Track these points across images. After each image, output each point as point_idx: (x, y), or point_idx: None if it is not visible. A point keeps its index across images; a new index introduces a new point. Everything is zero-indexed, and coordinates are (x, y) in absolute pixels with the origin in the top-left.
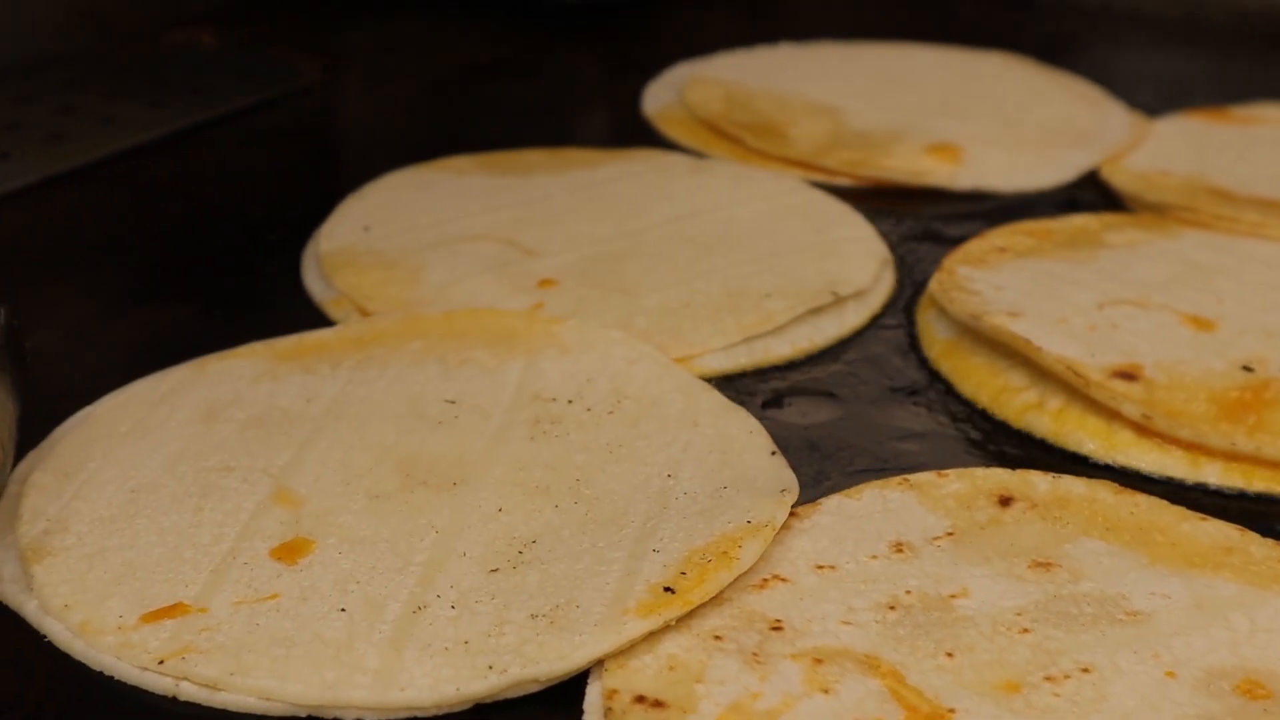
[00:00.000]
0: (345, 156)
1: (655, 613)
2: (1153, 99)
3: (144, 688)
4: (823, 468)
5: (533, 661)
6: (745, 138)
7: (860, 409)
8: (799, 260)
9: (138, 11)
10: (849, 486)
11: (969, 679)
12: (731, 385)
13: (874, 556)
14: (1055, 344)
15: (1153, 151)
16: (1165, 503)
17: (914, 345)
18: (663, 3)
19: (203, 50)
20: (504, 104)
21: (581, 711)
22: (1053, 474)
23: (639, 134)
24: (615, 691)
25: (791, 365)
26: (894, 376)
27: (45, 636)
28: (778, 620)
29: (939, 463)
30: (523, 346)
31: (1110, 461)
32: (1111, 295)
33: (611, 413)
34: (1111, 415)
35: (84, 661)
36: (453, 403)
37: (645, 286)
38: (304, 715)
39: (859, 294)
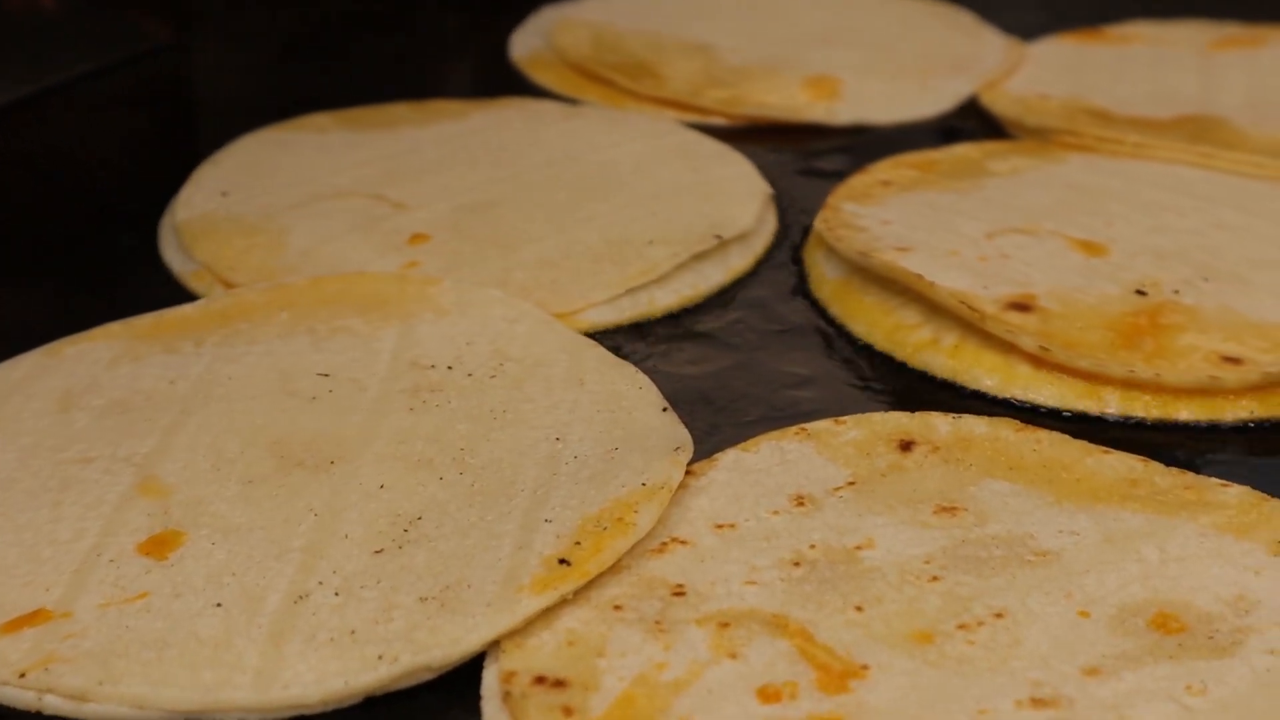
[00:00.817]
0: (201, 121)
1: (551, 587)
2: (1029, 21)
3: (4, 704)
4: (716, 420)
5: (424, 648)
6: (618, 79)
7: (751, 356)
8: (679, 202)
9: None
10: (745, 439)
11: (880, 632)
12: (617, 339)
13: (775, 512)
14: (947, 278)
15: (1030, 75)
16: (1067, 438)
17: (803, 286)
18: None
19: (42, 14)
20: (366, 58)
21: (479, 697)
22: (953, 415)
23: (508, 82)
24: (513, 674)
25: (678, 314)
26: (784, 320)
27: None
28: (679, 585)
29: (836, 408)
30: (397, 311)
31: (1009, 396)
32: (1001, 224)
33: (494, 377)
34: (1009, 349)
35: None
36: (326, 376)
37: (522, 237)
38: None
39: (743, 236)
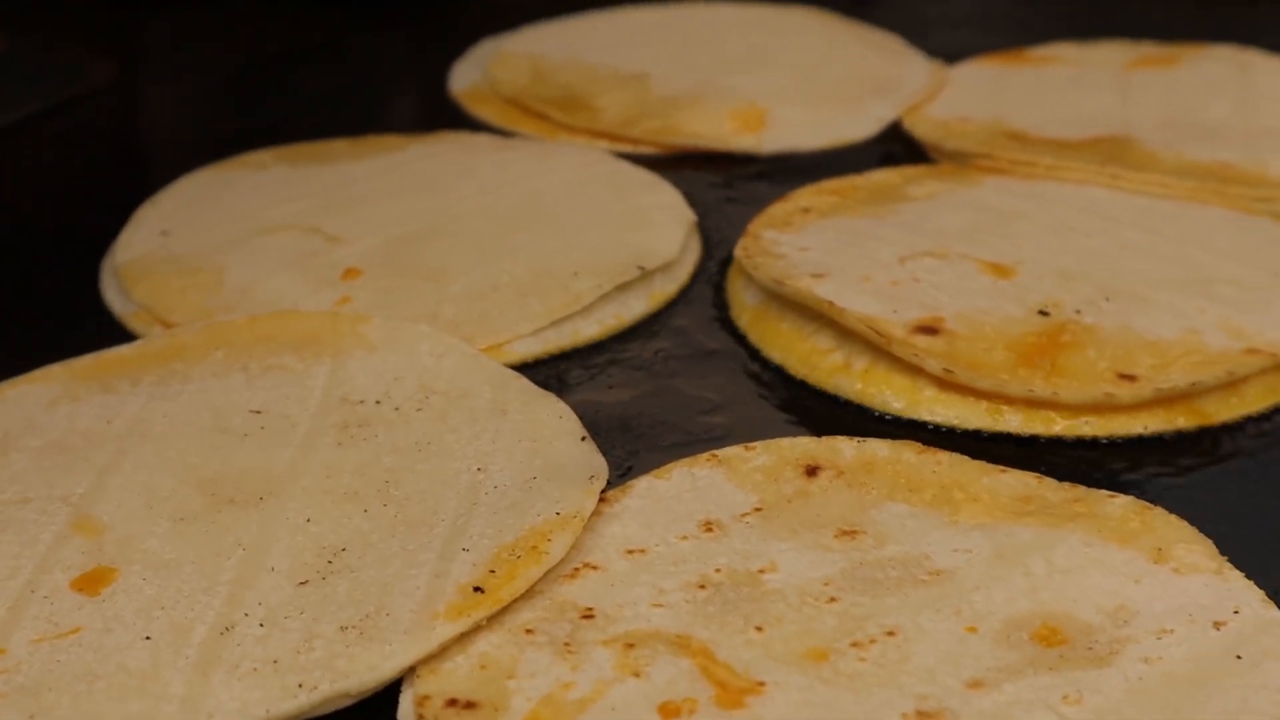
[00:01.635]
0: (143, 160)
1: (465, 614)
2: (957, 44)
3: None
4: (635, 447)
5: (343, 675)
6: (551, 113)
7: (670, 384)
8: (605, 232)
9: None
10: (661, 464)
11: (778, 650)
12: (541, 370)
13: (684, 537)
14: (858, 303)
15: (951, 99)
16: (966, 458)
17: (724, 314)
18: None
19: None
20: (308, 93)
21: None
22: (858, 439)
23: (447, 116)
24: (427, 697)
25: (601, 344)
26: (704, 347)
27: None
28: (589, 608)
29: (750, 433)
30: (329, 348)
31: (916, 418)
32: (913, 248)
33: (420, 410)
34: (916, 371)
35: None
36: (258, 413)
37: (452, 270)
38: None
39: (667, 265)
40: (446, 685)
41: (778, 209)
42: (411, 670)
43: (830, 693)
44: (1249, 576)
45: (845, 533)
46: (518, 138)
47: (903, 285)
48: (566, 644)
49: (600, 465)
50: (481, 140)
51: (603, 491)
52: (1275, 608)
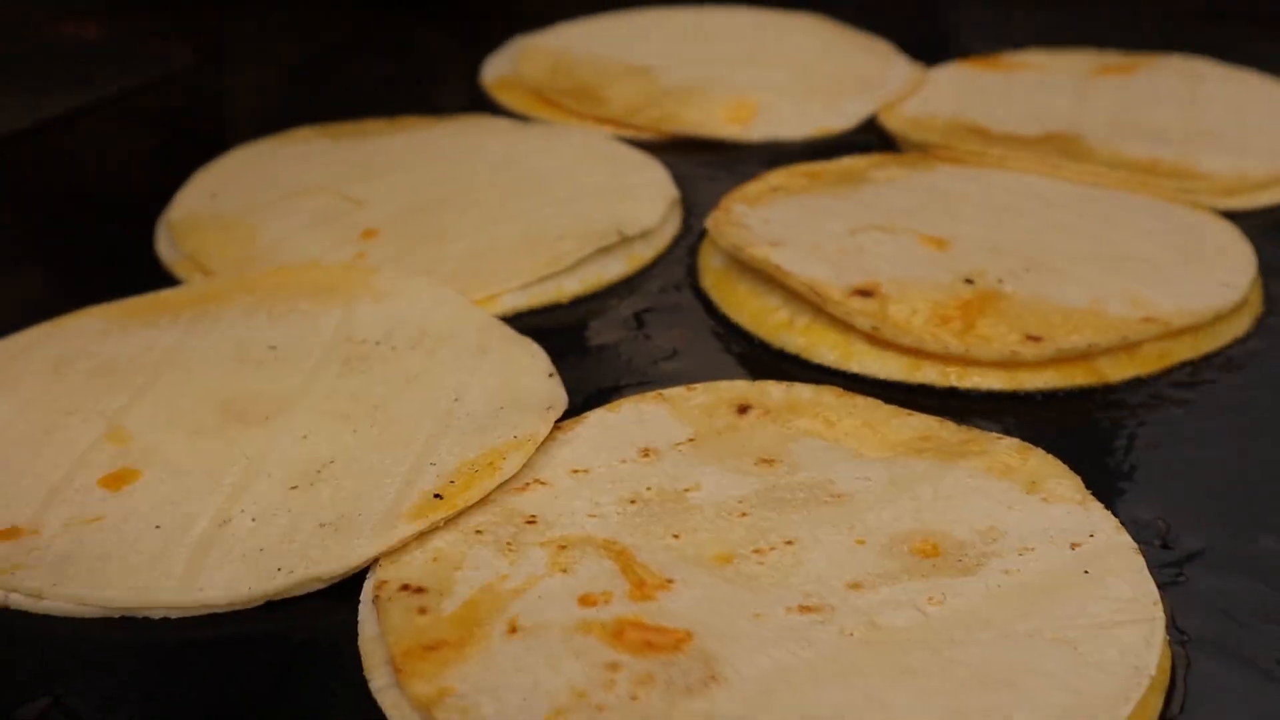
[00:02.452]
0: (208, 135)
1: (424, 516)
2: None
3: None
4: (598, 386)
5: (315, 563)
6: (565, 101)
7: (638, 334)
8: (593, 203)
9: (27, 5)
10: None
11: (690, 554)
12: (527, 319)
13: (623, 461)
14: (806, 268)
15: (925, 97)
16: (879, 402)
17: (694, 278)
18: None
19: (87, 40)
20: (362, 80)
21: (359, 601)
22: (787, 383)
23: (477, 103)
24: (384, 582)
25: (582, 299)
26: (671, 304)
27: None
28: (533, 516)
29: (701, 379)
30: (342, 296)
31: (847, 369)
32: (864, 223)
33: (413, 348)
34: (849, 329)
35: None
36: (274, 348)
37: (455, 233)
38: (116, 616)
39: (646, 233)
40: (403, 573)
41: (751, 187)
42: (375, 562)
43: (729, 589)
44: (1112, 511)
45: (764, 461)
46: (533, 122)
47: (849, 254)
48: (509, 544)
49: (560, 398)
50: (499, 124)
51: (560, 421)
52: (1127, 535)
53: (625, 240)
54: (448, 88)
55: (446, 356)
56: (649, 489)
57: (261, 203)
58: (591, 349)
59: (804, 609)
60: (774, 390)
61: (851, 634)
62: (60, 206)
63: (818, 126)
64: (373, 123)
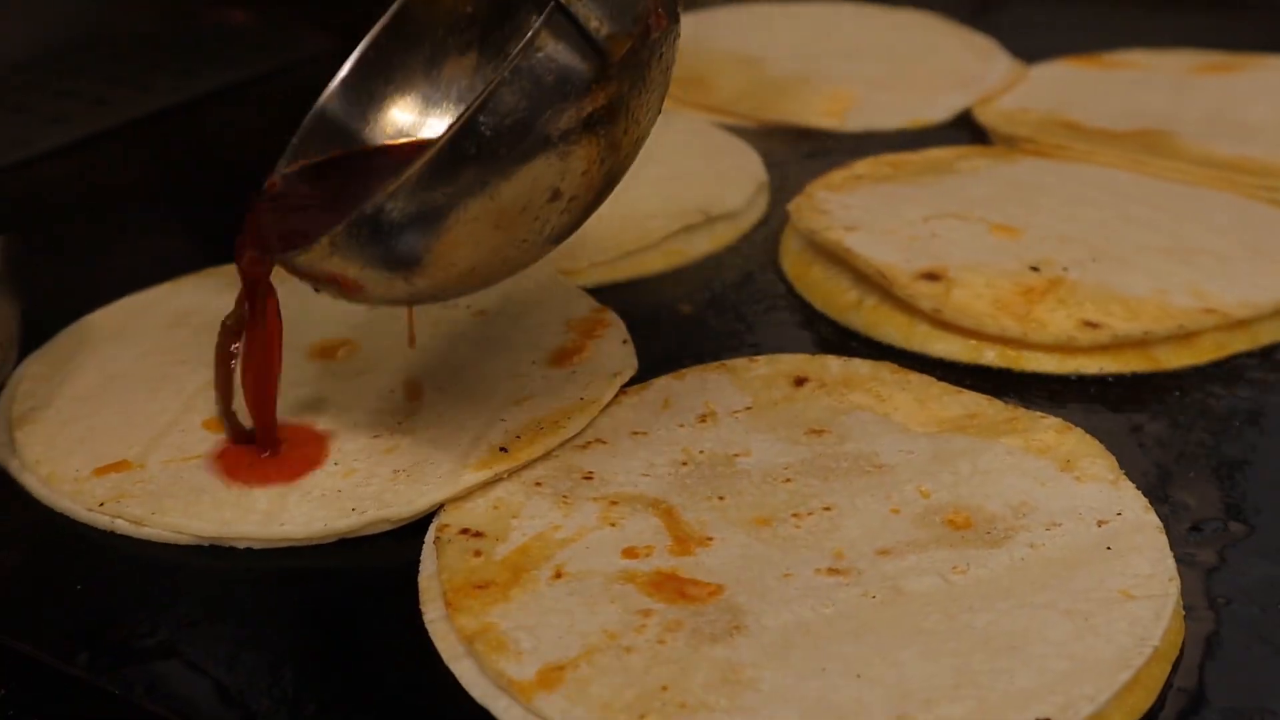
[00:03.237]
0: None
1: (488, 467)
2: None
3: (91, 524)
4: (669, 354)
5: (386, 505)
6: (673, 89)
7: (714, 308)
8: (685, 185)
9: None
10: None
11: (731, 515)
12: (610, 292)
13: (681, 425)
14: (876, 251)
15: (1022, 93)
16: (932, 379)
17: (774, 258)
18: None
19: (234, 26)
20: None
21: (423, 543)
22: (845, 358)
23: None
24: (446, 525)
25: (667, 274)
26: (750, 283)
27: (24, 486)
28: (590, 472)
29: (768, 353)
30: None
31: (910, 349)
32: (939, 210)
33: (500, 313)
34: (913, 310)
35: (49, 505)
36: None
37: None
38: (206, 544)
39: (731, 215)
40: (464, 518)
41: (836, 175)
42: (441, 507)
43: (763, 549)
44: (1154, 493)
45: (814, 431)
46: None
47: (920, 240)
48: (565, 497)
49: (630, 365)
50: None
51: (630, 385)
52: (1154, 514)
53: (710, 220)
54: None
55: (531, 323)
56: (701, 452)
57: None
58: (670, 321)
59: (832, 571)
60: (832, 364)
61: (873, 596)
62: (198, 177)
63: (911, 119)
64: None
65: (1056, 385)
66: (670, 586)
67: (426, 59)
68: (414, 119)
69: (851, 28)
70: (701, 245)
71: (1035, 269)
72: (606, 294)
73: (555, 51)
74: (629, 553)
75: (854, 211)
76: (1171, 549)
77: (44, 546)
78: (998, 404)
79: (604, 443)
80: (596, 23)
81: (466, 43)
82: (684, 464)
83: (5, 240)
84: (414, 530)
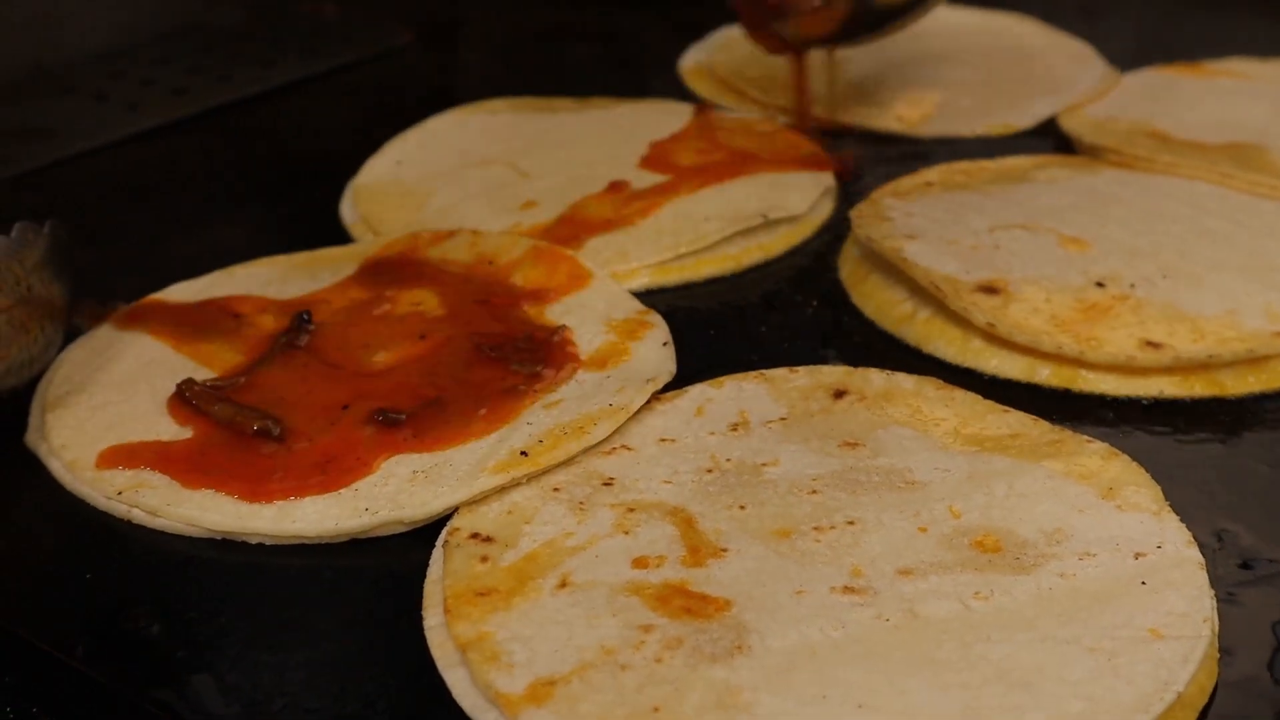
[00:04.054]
0: (416, 107)
1: (506, 471)
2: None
3: (110, 512)
4: (712, 360)
5: (400, 507)
6: (749, 91)
7: (766, 315)
8: (749, 188)
9: None
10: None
11: (751, 526)
12: (662, 295)
13: (712, 434)
14: (934, 261)
15: (1112, 101)
16: (978, 397)
17: (832, 265)
18: None
19: (322, 18)
20: (567, 63)
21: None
22: (888, 371)
23: (669, 88)
24: (457, 529)
25: (721, 278)
26: (805, 287)
27: (50, 471)
28: (611, 478)
29: (814, 361)
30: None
31: (963, 364)
32: (1007, 220)
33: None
34: (968, 324)
35: (71, 491)
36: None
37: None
38: (219, 538)
39: (793, 219)
40: (477, 523)
41: (904, 181)
42: (457, 510)
43: (779, 563)
44: (1200, 526)
45: (848, 444)
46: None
47: (982, 250)
48: (581, 503)
49: (667, 370)
50: (682, 106)
51: (666, 390)
52: (1196, 549)
53: (770, 224)
54: (650, 73)
55: (572, 322)
56: (728, 460)
57: (440, 171)
58: (719, 326)
59: (848, 589)
60: (875, 377)
61: (888, 619)
62: (268, 167)
63: (995, 125)
64: (562, 101)
65: (1114, 407)
66: (677, 600)
67: None
68: None
69: (943, 29)
70: (760, 250)
71: (1101, 284)
72: (656, 297)
73: None
74: (639, 562)
75: (917, 220)
76: (1214, 587)
77: (61, 533)
78: (1044, 425)
79: (630, 449)
80: None
81: None
82: (709, 471)
83: (51, 225)
84: (430, 532)
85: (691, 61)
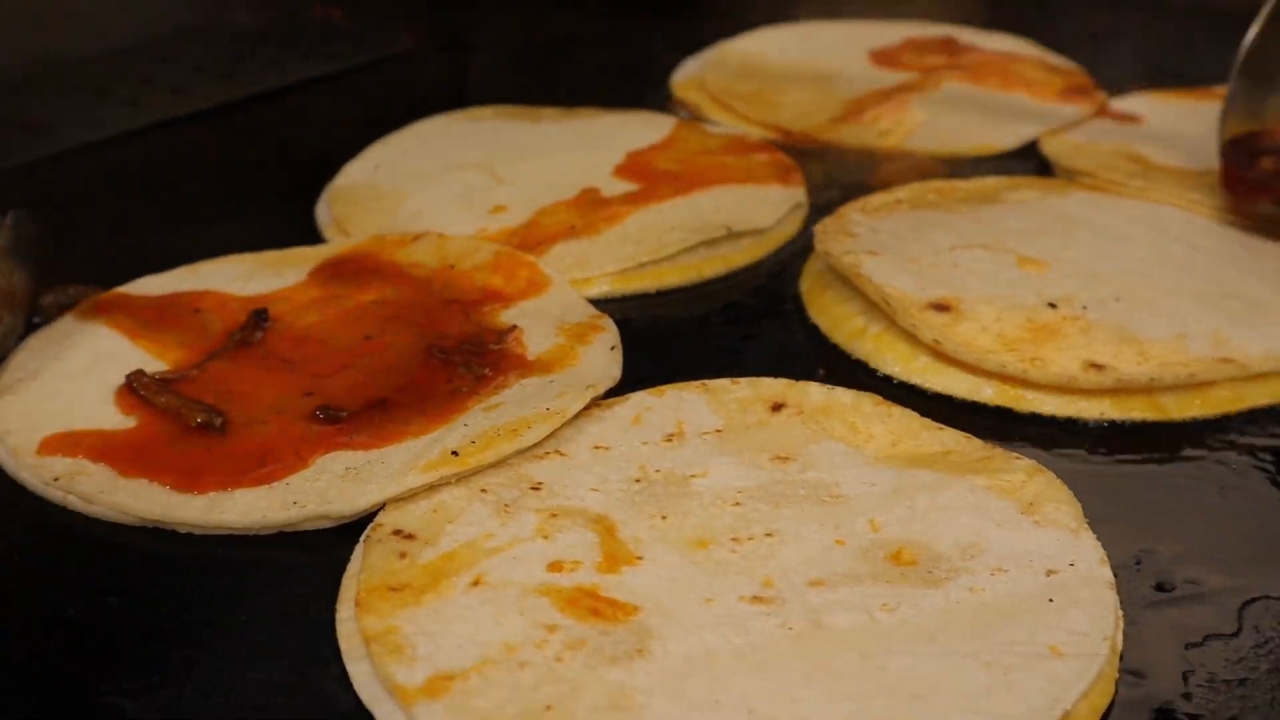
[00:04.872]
0: (412, 111)
1: (435, 469)
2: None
3: (46, 497)
4: (662, 369)
5: (328, 501)
6: (736, 105)
7: (719, 326)
8: (717, 200)
9: None
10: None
11: (671, 537)
12: (625, 301)
13: (645, 443)
14: (890, 278)
15: (1096, 125)
16: (914, 414)
17: (795, 279)
18: None
19: (329, 23)
20: (561, 74)
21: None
22: (828, 386)
23: (658, 101)
24: (380, 525)
25: (681, 288)
26: (763, 301)
27: None
28: (540, 483)
29: (763, 373)
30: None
31: (908, 380)
32: (969, 240)
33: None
34: (916, 341)
35: (12, 476)
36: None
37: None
38: (150, 526)
39: (759, 232)
40: (400, 519)
41: (876, 197)
42: (383, 507)
43: (694, 573)
44: (1124, 546)
45: (779, 458)
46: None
47: (940, 269)
48: (507, 506)
49: (610, 375)
50: (664, 119)
51: (609, 397)
52: (1108, 569)
53: (735, 236)
54: (637, 84)
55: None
56: (658, 471)
57: (417, 174)
58: (675, 335)
59: (756, 599)
60: (814, 391)
61: (791, 629)
62: (257, 164)
63: (976, 145)
64: (548, 109)
65: (1054, 428)
66: (585, 604)
67: None
68: None
69: None
70: (724, 261)
71: (1053, 305)
72: (616, 304)
73: None
74: (554, 566)
75: (881, 236)
76: (1126, 608)
77: (1, 519)
78: (976, 442)
79: (563, 454)
80: None
81: None
82: (637, 480)
83: (14, 215)
84: (360, 528)
85: (683, 75)
